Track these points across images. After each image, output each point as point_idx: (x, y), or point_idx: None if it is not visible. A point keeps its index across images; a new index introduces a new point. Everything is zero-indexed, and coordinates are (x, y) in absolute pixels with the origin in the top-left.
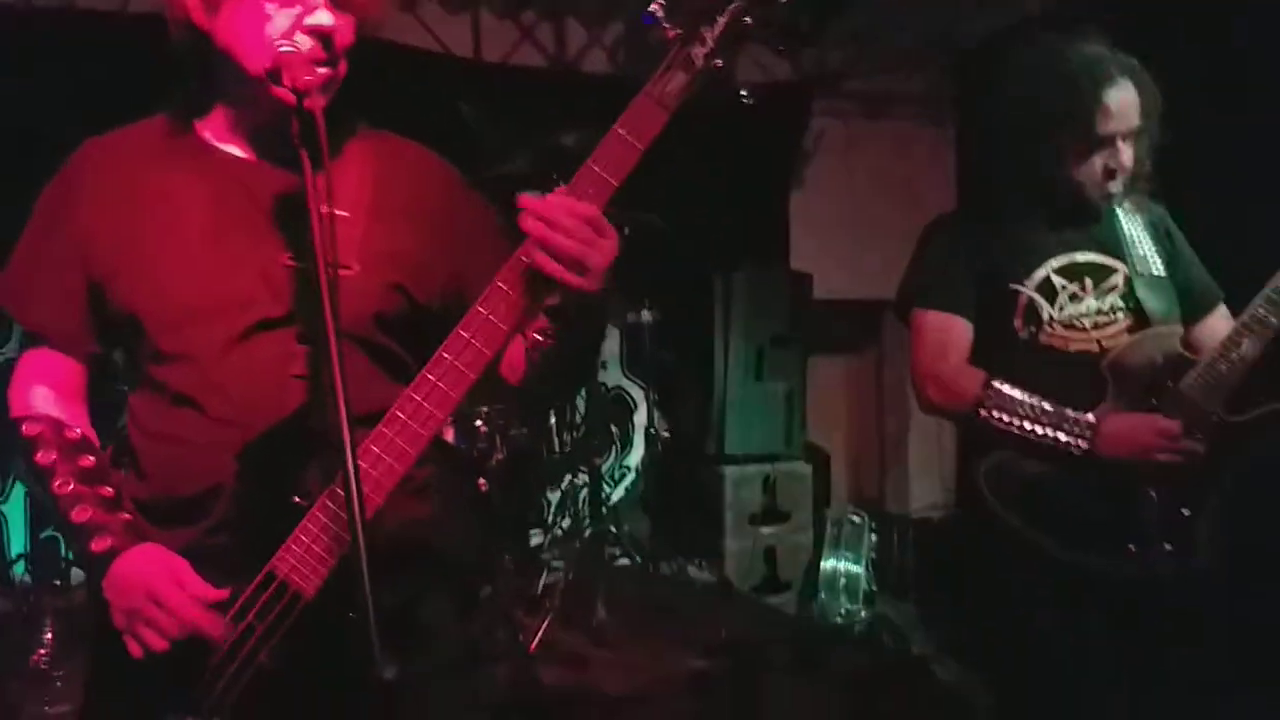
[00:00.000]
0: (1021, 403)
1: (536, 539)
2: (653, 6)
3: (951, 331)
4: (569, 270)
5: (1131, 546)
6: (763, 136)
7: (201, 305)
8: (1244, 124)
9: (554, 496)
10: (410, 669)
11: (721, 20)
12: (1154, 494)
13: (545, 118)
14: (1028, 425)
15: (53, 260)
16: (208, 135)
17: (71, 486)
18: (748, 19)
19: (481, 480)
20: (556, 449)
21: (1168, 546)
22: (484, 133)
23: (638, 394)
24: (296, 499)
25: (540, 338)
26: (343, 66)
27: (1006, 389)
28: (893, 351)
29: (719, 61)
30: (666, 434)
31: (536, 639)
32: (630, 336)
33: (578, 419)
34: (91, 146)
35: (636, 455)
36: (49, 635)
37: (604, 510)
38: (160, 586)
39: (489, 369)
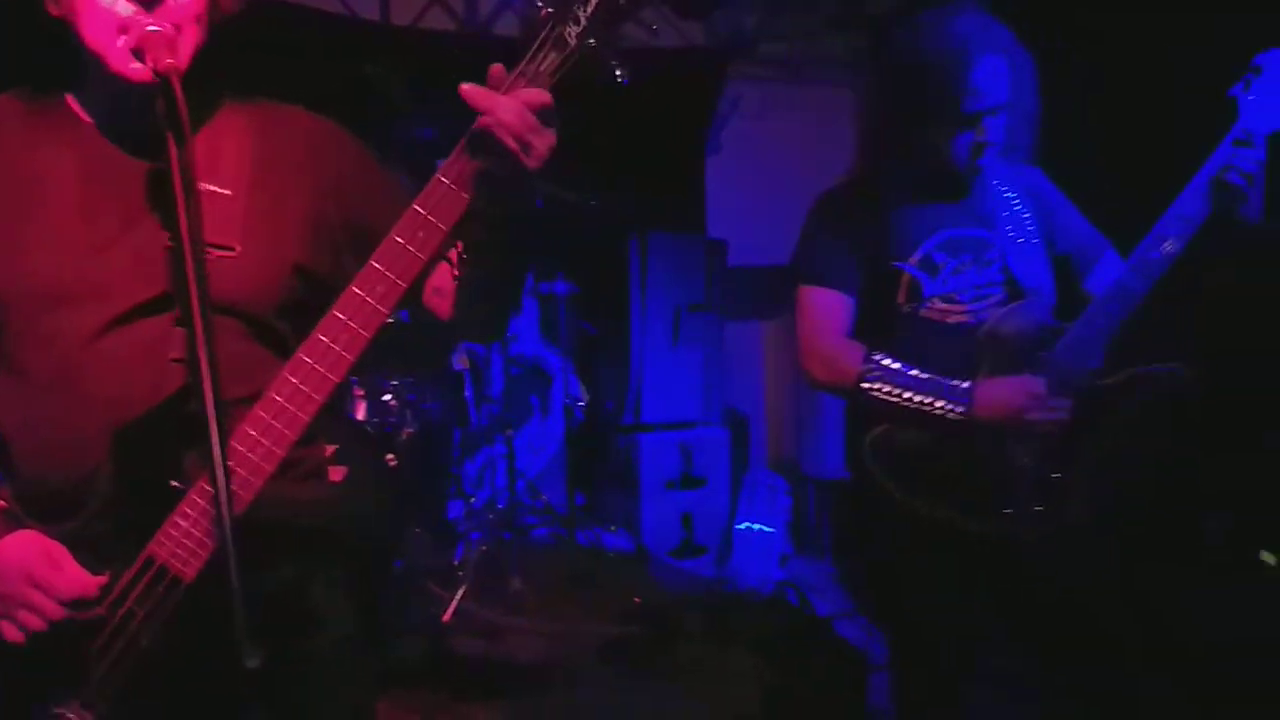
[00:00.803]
0: (900, 373)
1: (452, 512)
2: None
3: (834, 308)
4: (526, 155)
5: (1007, 509)
6: (677, 102)
7: (72, 288)
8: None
9: (471, 468)
10: (297, 652)
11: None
12: (1026, 458)
13: (456, 82)
14: (907, 395)
15: None
16: (79, 109)
17: None
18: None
19: (390, 455)
20: (473, 421)
21: (1039, 508)
22: (393, 98)
23: (556, 364)
24: (174, 483)
25: (471, 252)
26: (191, 31)
27: (886, 361)
28: None
29: (593, 41)
30: (584, 404)
31: (450, 610)
32: (547, 307)
33: (496, 391)
34: None
35: (555, 425)
36: None
37: (522, 481)
38: (37, 571)
39: (374, 341)
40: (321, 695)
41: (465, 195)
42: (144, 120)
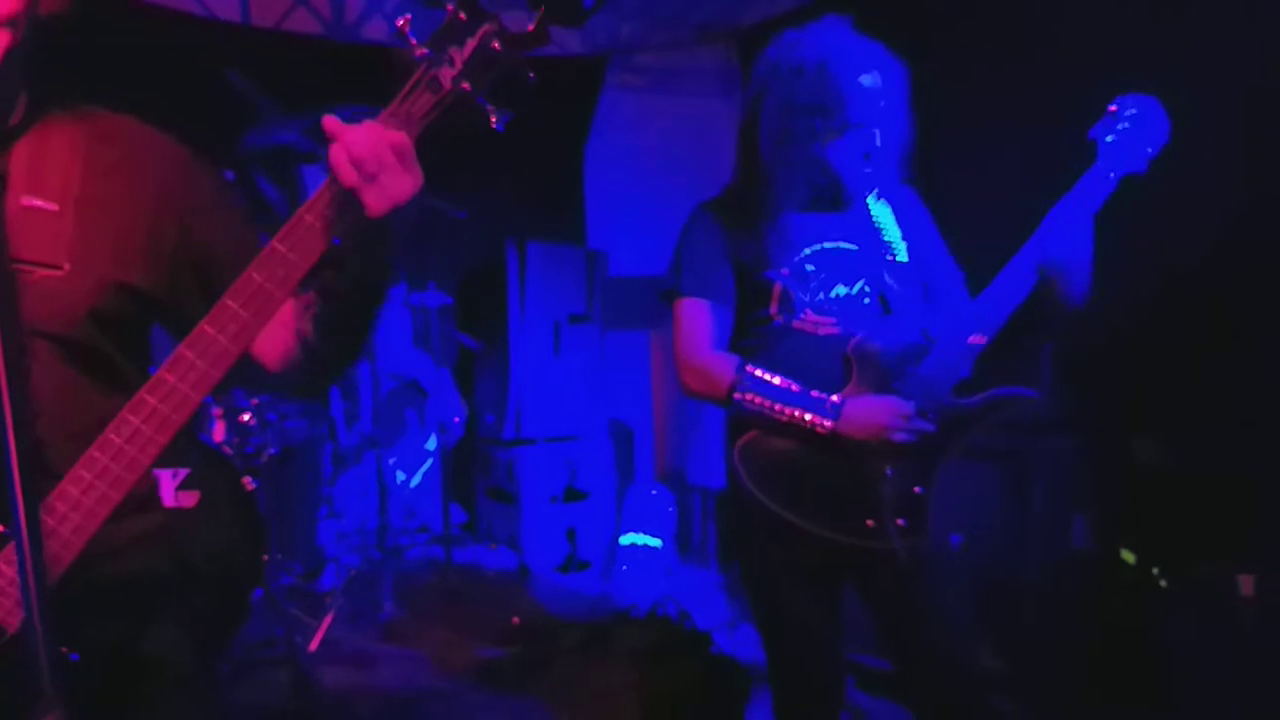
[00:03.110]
0: (771, 385)
1: (322, 534)
2: (399, 22)
3: (707, 319)
4: (370, 192)
5: (870, 521)
6: (554, 110)
7: None
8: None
9: (342, 488)
10: (132, 697)
11: (470, 43)
12: (890, 472)
13: (320, 89)
14: (778, 406)
15: None
16: None
17: None
18: (496, 44)
19: (247, 479)
20: (343, 440)
21: (901, 521)
22: (254, 104)
23: (430, 378)
24: None
25: (322, 299)
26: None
27: (759, 373)
28: None
29: (467, 85)
30: (461, 418)
31: (317, 639)
32: (419, 319)
33: (366, 408)
34: None
35: (430, 442)
36: None
37: (397, 500)
38: None
39: (222, 382)
40: None
41: (326, 234)
42: None
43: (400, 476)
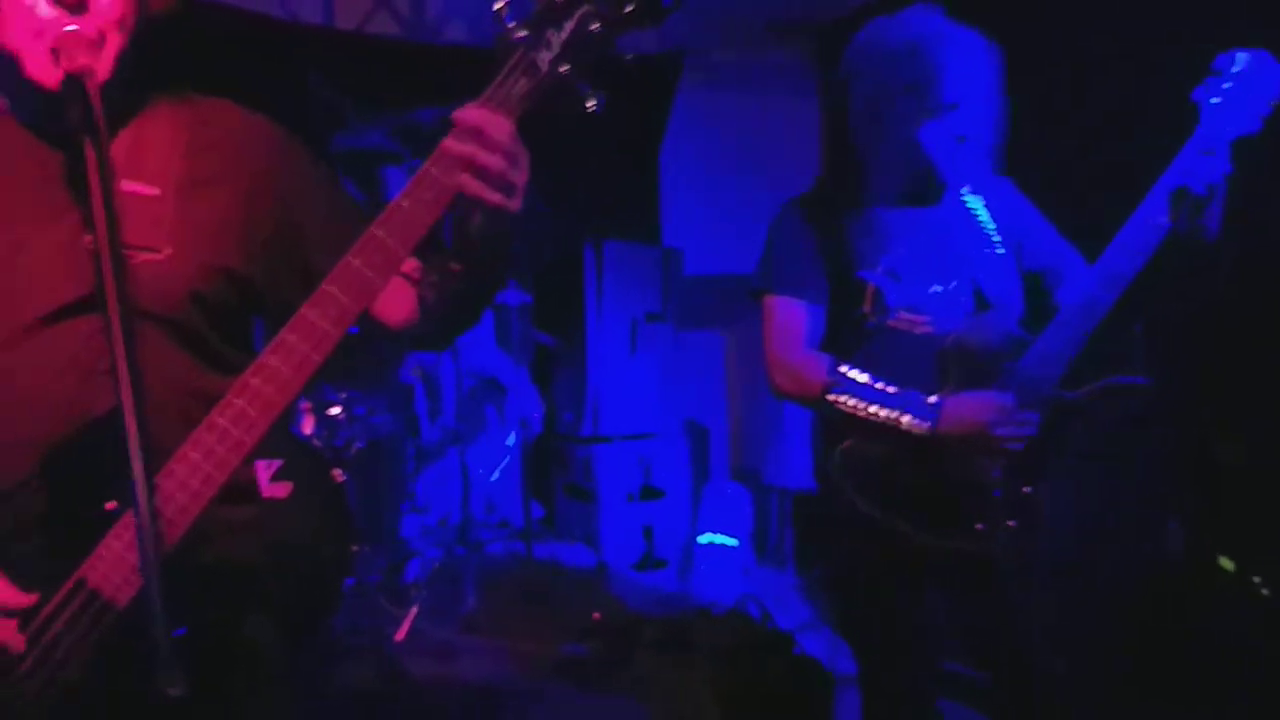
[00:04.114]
0: (867, 387)
1: (405, 528)
2: (497, 5)
3: (799, 318)
4: (496, 190)
5: (979, 525)
6: (631, 109)
7: None
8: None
9: (424, 483)
10: (224, 685)
11: (569, 25)
12: (996, 472)
13: (401, 91)
14: (873, 409)
15: None
16: None
17: None
18: (594, 26)
19: (337, 471)
20: (425, 435)
21: (1011, 523)
22: (336, 106)
23: (510, 376)
24: (109, 505)
25: (439, 277)
26: (114, 37)
27: (852, 373)
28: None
29: (565, 68)
30: (541, 415)
31: (403, 629)
32: (501, 317)
33: (448, 403)
34: None
35: (510, 438)
36: None
37: (477, 495)
38: None
39: (328, 361)
40: None
41: (426, 217)
42: (63, 118)
43: (482, 472)
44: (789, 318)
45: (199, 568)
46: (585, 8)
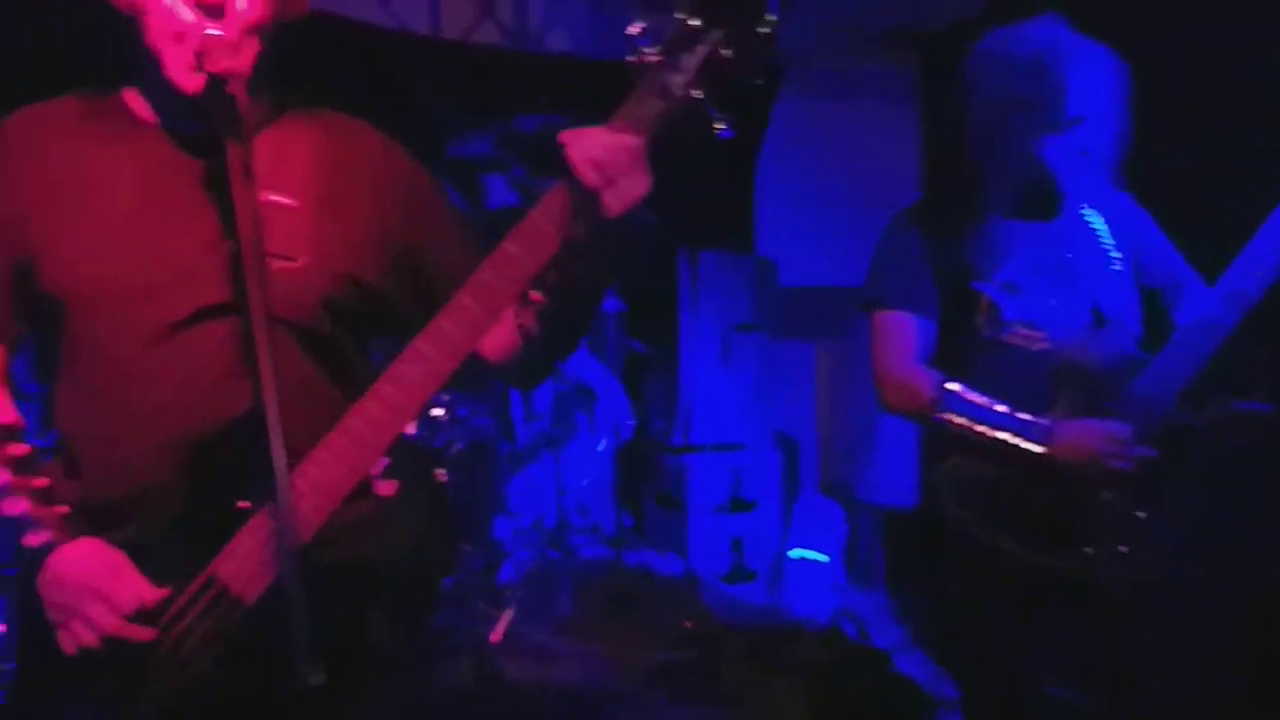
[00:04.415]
0: (977, 405)
1: (498, 530)
2: (632, 29)
3: (911, 332)
4: (609, 193)
5: (1088, 549)
6: (728, 118)
7: (134, 283)
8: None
9: (517, 486)
10: (344, 678)
11: (701, 50)
12: (1109, 496)
13: (505, 99)
14: (983, 428)
15: None
16: (136, 107)
17: (4, 477)
18: (726, 51)
19: (440, 471)
20: (518, 439)
21: (1123, 549)
22: (442, 115)
23: (602, 382)
24: (242, 503)
25: (549, 296)
26: (253, 41)
27: (962, 391)
28: (861, 340)
29: (697, 93)
30: (633, 422)
31: (499, 630)
32: (596, 324)
33: (542, 408)
34: (14, 120)
35: (601, 444)
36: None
37: (567, 500)
38: (98, 582)
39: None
40: None
41: (556, 236)
42: (204, 121)
43: (572, 478)
44: (900, 332)
45: (324, 566)
46: (719, 34)
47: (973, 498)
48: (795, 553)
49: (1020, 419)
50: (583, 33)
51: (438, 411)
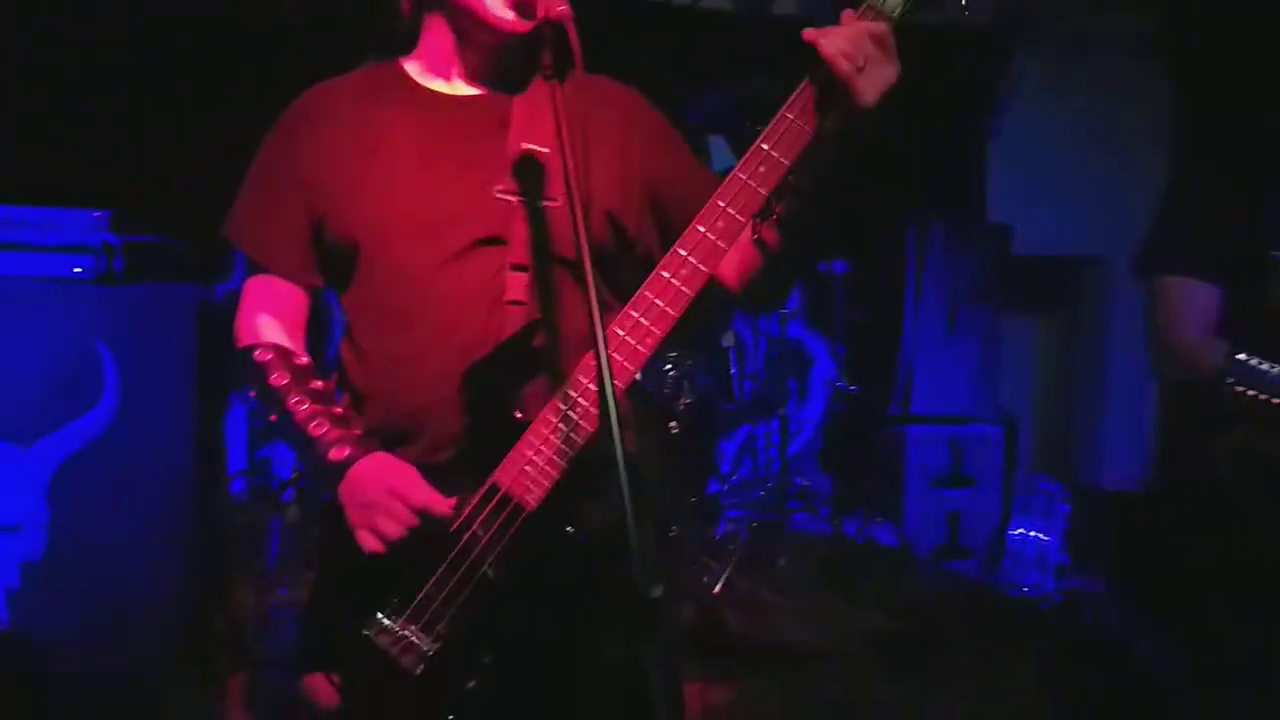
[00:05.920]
0: (1272, 375)
1: (713, 486)
2: None
3: (1196, 298)
4: (861, 80)
5: None
6: (960, 80)
7: (417, 220)
8: None
9: (730, 446)
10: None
11: None
12: None
13: (733, 63)
14: (1275, 400)
15: (279, 200)
16: (414, 73)
17: (307, 406)
18: None
19: (674, 423)
20: (734, 399)
21: None
22: (670, 78)
23: (817, 347)
24: (518, 415)
25: (792, 199)
26: None
27: (1254, 362)
28: (1090, 313)
29: None
30: (852, 389)
31: (721, 582)
32: (818, 288)
33: (758, 370)
34: (311, 95)
35: (813, 409)
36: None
37: (778, 464)
38: (395, 482)
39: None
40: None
41: (807, 130)
42: (481, 76)
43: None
44: (1185, 298)
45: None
46: None
47: (1259, 476)
48: (1015, 532)
49: None
50: None
51: (666, 366)
